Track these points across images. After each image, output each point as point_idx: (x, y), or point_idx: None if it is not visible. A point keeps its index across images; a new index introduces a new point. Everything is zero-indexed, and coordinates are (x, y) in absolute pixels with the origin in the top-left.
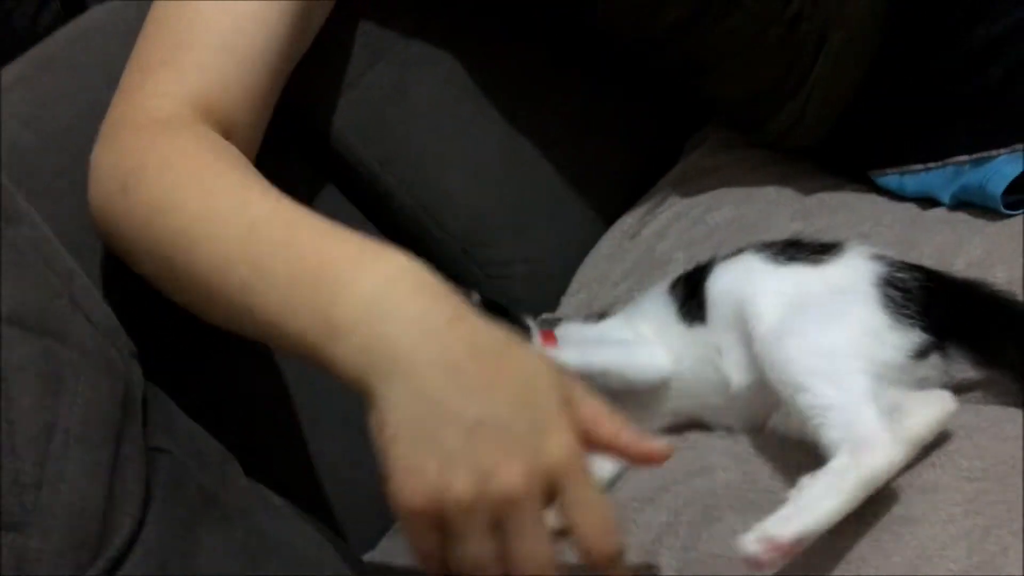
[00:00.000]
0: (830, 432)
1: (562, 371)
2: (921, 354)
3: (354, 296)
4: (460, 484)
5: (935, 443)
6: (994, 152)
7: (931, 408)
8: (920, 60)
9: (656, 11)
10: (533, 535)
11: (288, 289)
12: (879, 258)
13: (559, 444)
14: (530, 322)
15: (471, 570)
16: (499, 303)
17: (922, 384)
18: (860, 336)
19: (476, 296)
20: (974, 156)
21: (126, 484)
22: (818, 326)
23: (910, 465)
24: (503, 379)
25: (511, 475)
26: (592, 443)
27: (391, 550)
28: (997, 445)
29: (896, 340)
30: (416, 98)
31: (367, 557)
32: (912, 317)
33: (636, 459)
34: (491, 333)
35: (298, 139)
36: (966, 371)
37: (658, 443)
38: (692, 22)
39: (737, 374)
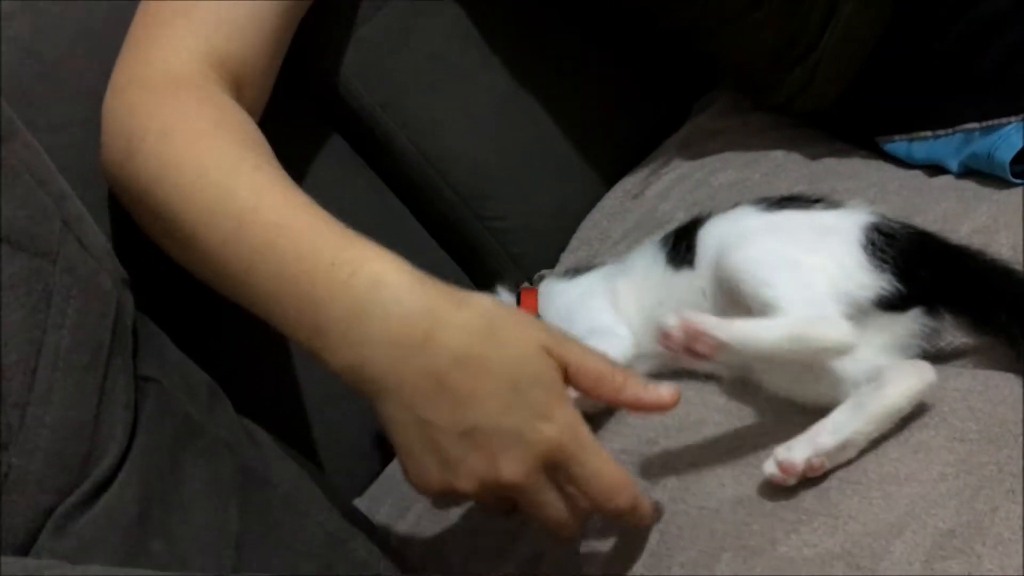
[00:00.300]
0: (784, 305)
1: (555, 338)
2: (895, 306)
3: (335, 318)
4: (463, 484)
5: (931, 398)
6: (1004, 120)
7: (910, 379)
8: (932, 28)
9: None
10: (544, 503)
11: (275, 292)
12: (875, 212)
13: (551, 429)
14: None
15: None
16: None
17: (909, 344)
18: (828, 264)
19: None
20: (984, 124)
21: (113, 410)
22: (789, 243)
23: (890, 433)
24: (487, 384)
25: (509, 469)
26: (597, 399)
27: (379, 496)
28: (991, 408)
29: (864, 279)
30: (420, 44)
31: (355, 503)
32: (887, 262)
33: (645, 409)
34: (471, 335)
35: (304, 83)
36: (960, 336)
37: (665, 389)
38: None
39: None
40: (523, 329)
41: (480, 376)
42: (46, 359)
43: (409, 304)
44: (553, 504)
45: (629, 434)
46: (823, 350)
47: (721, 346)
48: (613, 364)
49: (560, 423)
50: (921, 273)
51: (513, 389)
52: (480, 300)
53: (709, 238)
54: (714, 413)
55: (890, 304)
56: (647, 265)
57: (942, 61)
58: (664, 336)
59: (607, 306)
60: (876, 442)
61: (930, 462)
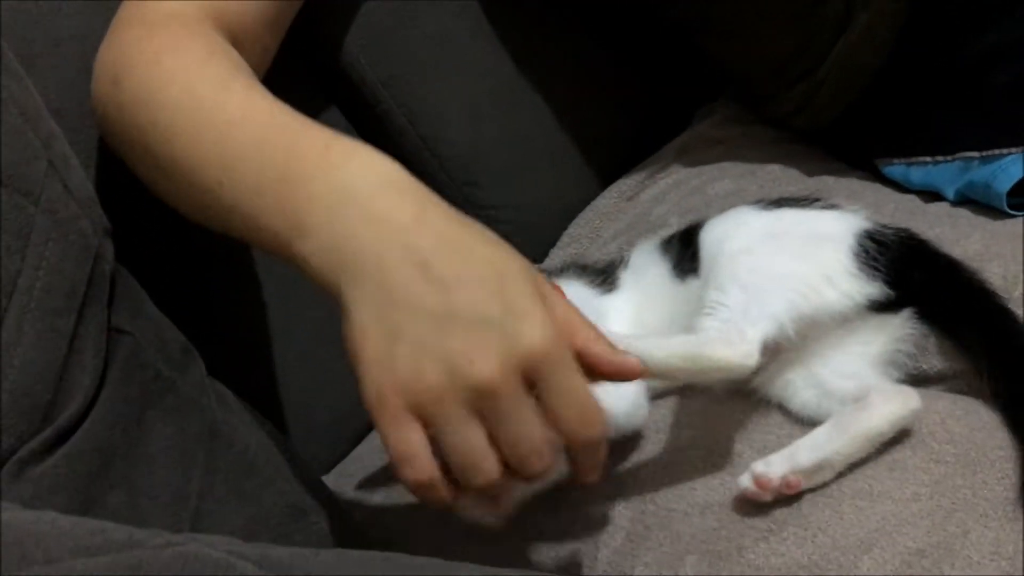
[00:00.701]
0: (707, 321)
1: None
2: (888, 308)
3: (320, 195)
4: (431, 374)
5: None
6: (1004, 151)
7: (893, 404)
8: (939, 53)
9: None
10: (519, 419)
11: (257, 188)
12: (870, 218)
13: (535, 331)
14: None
15: (461, 460)
16: None
17: (898, 353)
18: (813, 275)
19: None
20: (984, 153)
21: (83, 358)
22: (775, 253)
23: (870, 457)
24: (473, 271)
25: (485, 364)
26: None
27: (348, 473)
28: (969, 433)
29: (851, 287)
30: (429, 23)
31: (323, 479)
32: (878, 270)
33: (607, 372)
34: (460, 226)
35: (306, 51)
36: (946, 359)
37: (631, 358)
38: None
39: None
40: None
41: (468, 262)
42: (18, 299)
43: (401, 185)
44: (527, 421)
45: None
46: (716, 370)
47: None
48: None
49: (545, 327)
50: (914, 275)
51: (501, 281)
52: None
53: (709, 241)
54: (691, 417)
55: (883, 307)
56: (653, 278)
57: (947, 87)
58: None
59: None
60: (854, 464)
61: (905, 481)
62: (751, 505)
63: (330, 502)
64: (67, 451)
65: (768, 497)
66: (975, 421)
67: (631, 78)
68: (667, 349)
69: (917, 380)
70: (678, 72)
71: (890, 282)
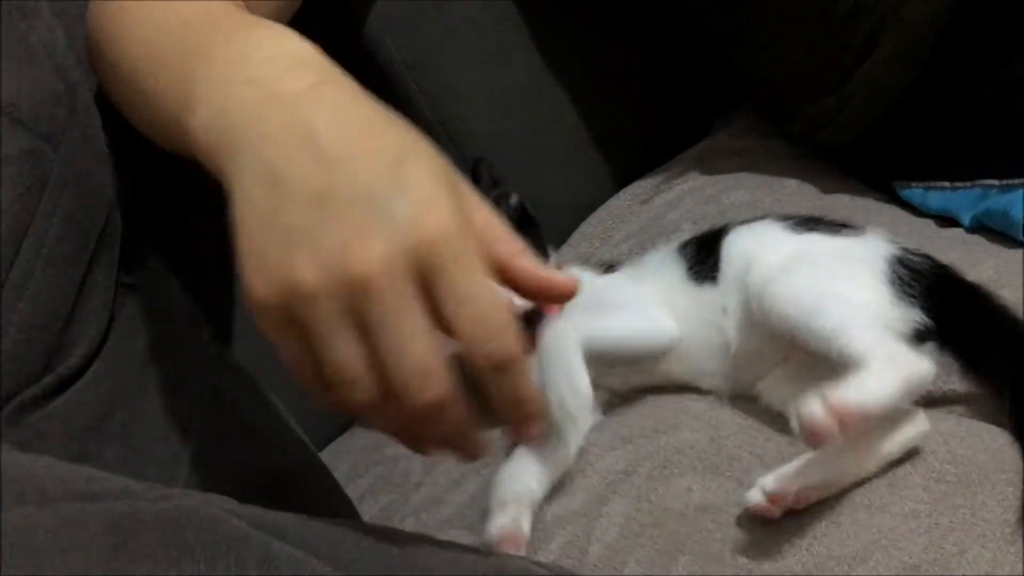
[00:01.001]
0: (856, 344)
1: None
2: (919, 337)
3: (216, 61)
4: (302, 267)
5: None
6: None
7: (904, 426)
8: (965, 79)
9: None
10: (402, 327)
11: (166, 68)
12: (896, 243)
13: (431, 216)
14: (551, 252)
15: (332, 377)
16: (533, 217)
17: None
18: (866, 298)
19: (516, 198)
20: (1004, 182)
21: (89, 308)
22: (822, 276)
23: (878, 475)
24: (369, 151)
25: (364, 253)
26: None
27: (339, 454)
28: (972, 455)
29: (894, 315)
30: (457, 8)
31: None
32: (915, 296)
33: (533, 289)
34: (365, 105)
35: (330, 28)
36: (952, 382)
37: (564, 277)
38: None
39: (737, 334)
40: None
41: (361, 141)
42: (30, 243)
43: (306, 57)
44: (413, 331)
45: (603, 428)
46: (922, 387)
47: (865, 418)
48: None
49: (446, 214)
50: (942, 305)
51: (398, 159)
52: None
53: (733, 252)
54: (692, 420)
55: (917, 335)
56: (667, 276)
57: (971, 114)
58: (813, 430)
59: (642, 295)
60: (859, 483)
61: (905, 497)
62: (748, 510)
63: (324, 474)
64: (67, 399)
65: (777, 513)
66: (978, 443)
67: (654, 83)
68: (892, 379)
69: (923, 402)
70: (700, 80)
71: (927, 311)
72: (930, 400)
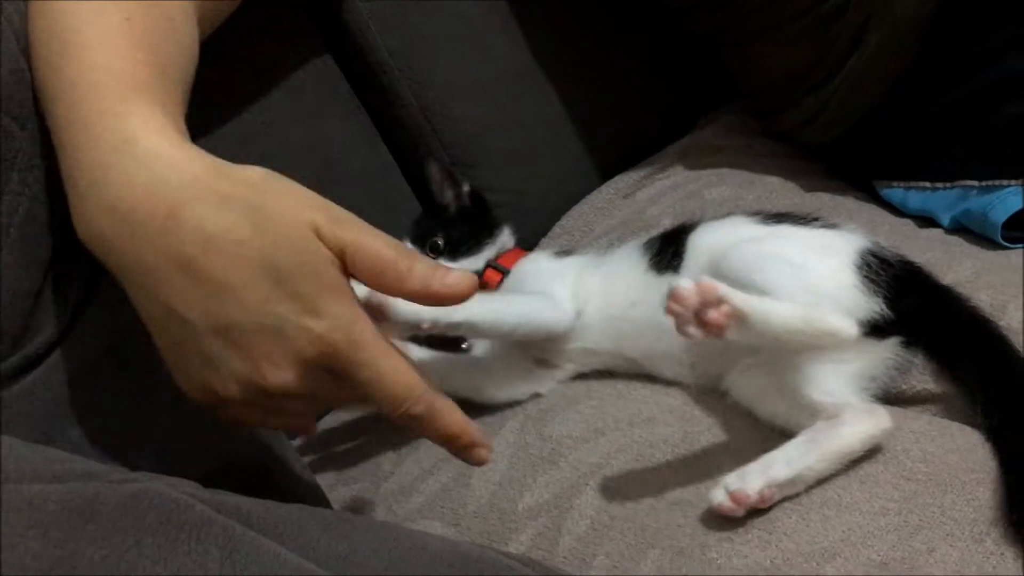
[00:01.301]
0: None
1: (333, 217)
2: (878, 331)
3: (84, 165)
4: (229, 390)
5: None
6: (1003, 183)
7: (866, 423)
8: (948, 80)
9: None
10: (315, 404)
11: (52, 114)
12: (870, 238)
13: (320, 326)
14: (504, 234)
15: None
16: (484, 200)
17: (879, 375)
18: (829, 276)
19: (467, 187)
20: (983, 183)
21: (58, 288)
22: (795, 248)
23: (838, 473)
24: (244, 269)
25: (275, 377)
26: (379, 289)
27: (311, 441)
28: (943, 454)
29: (854, 300)
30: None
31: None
32: (880, 286)
33: (437, 299)
34: (227, 212)
35: (317, 11)
36: (924, 382)
37: (456, 276)
38: None
39: None
40: (293, 207)
41: (236, 262)
42: None
43: (158, 172)
44: (344, 402)
45: (578, 420)
46: (830, 335)
47: (736, 314)
48: (399, 248)
49: (331, 320)
50: (910, 302)
51: (275, 279)
52: (249, 172)
53: (701, 244)
54: (666, 414)
55: (874, 329)
56: (626, 267)
57: (953, 115)
58: (675, 297)
59: (566, 286)
60: (823, 480)
61: (874, 495)
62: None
63: (295, 462)
64: (33, 379)
65: (741, 512)
66: (949, 443)
67: (639, 78)
68: (788, 311)
69: (895, 400)
70: (686, 77)
71: (889, 301)
72: (902, 399)
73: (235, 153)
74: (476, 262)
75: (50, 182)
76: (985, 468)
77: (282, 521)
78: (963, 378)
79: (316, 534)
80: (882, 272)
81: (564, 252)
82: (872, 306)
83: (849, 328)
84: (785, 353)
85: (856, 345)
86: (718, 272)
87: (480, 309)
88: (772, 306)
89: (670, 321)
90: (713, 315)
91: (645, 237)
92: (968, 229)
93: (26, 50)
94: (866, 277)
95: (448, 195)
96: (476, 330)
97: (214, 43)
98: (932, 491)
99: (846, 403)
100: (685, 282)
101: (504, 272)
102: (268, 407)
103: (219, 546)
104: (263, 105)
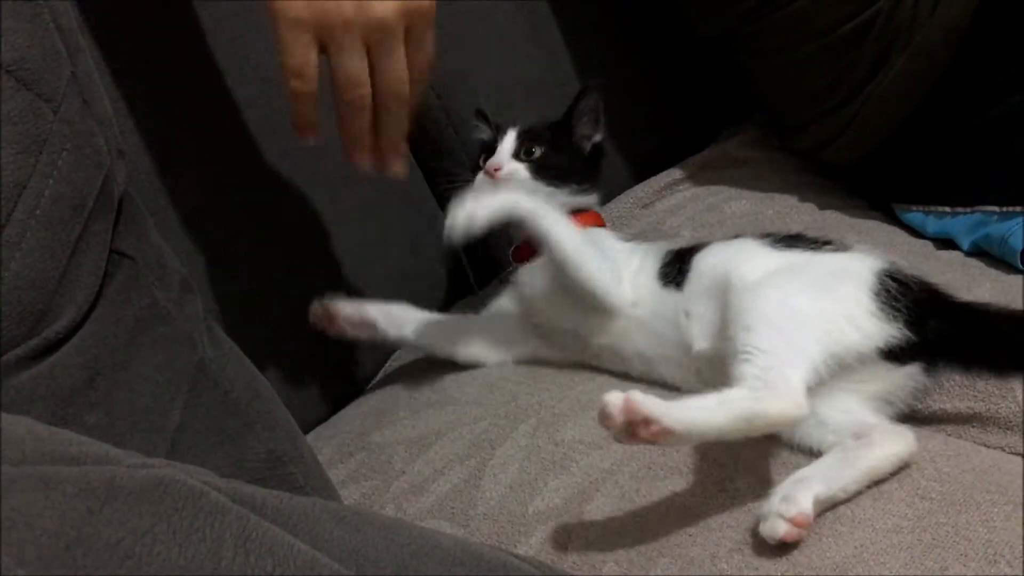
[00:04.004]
0: (748, 368)
1: None
2: (898, 356)
3: None
4: (347, 8)
5: None
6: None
7: (896, 444)
8: (969, 108)
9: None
10: (397, 58)
11: None
12: (887, 259)
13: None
14: (592, 197)
15: (345, 80)
16: (601, 160)
17: (897, 398)
18: (837, 313)
19: (600, 138)
20: (1004, 209)
21: (81, 273)
22: (799, 288)
23: (862, 492)
24: None
25: (386, 7)
26: None
27: (325, 437)
28: (958, 474)
29: (873, 328)
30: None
31: None
32: (899, 311)
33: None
34: None
35: None
36: (941, 401)
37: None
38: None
39: (700, 340)
40: None
41: None
42: (26, 203)
43: None
44: (401, 60)
45: (590, 426)
46: (772, 426)
47: (665, 433)
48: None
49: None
50: (930, 324)
51: None
52: None
53: (704, 265)
54: None
55: (893, 355)
56: (645, 269)
57: (974, 140)
58: (603, 416)
59: (629, 271)
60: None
61: (888, 512)
62: (730, 514)
63: (308, 456)
64: (52, 363)
65: (804, 534)
66: (965, 463)
67: (662, 89)
68: (722, 415)
69: (908, 419)
70: (708, 90)
71: (910, 325)
72: (915, 418)
73: (260, 142)
74: (552, 196)
75: (77, 166)
76: (1000, 489)
77: (296, 513)
78: (1010, 373)
79: (329, 527)
80: (901, 296)
81: (631, 237)
82: (891, 331)
83: (797, 408)
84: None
85: (875, 369)
86: (719, 299)
87: (572, 236)
88: (707, 415)
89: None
90: (643, 433)
91: (665, 245)
92: (987, 254)
93: (62, 29)
94: (885, 302)
95: (581, 128)
96: (559, 250)
97: (244, 34)
98: (946, 510)
99: (872, 424)
100: (614, 398)
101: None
102: (357, 47)
103: (233, 535)
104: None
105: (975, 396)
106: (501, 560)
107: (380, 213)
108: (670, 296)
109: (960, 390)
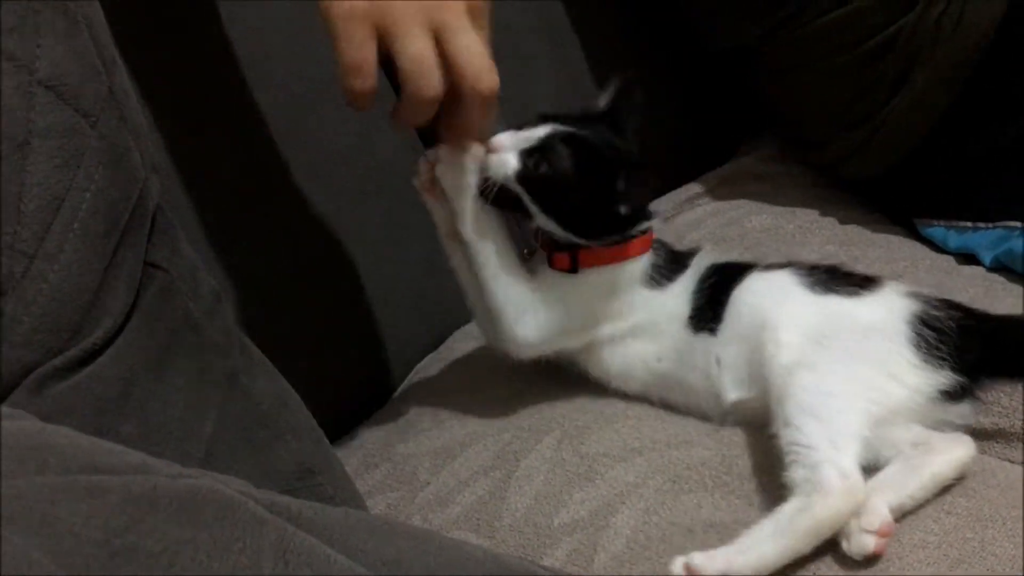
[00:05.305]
0: (798, 471)
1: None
2: (952, 396)
3: None
4: None
5: None
6: None
7: (957, 450)
8: (990, 124)
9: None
10: (469, 34)
11: None
12: (916, 295)
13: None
14: None
15: (410, 65)
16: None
17: (951, 424)
18: (877, 376)
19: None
20: None
21: (116, 285)
22: (833, 362)
23: (929, 502)
24: None
25: None
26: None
27: (349, 449)
28: (985, 490)
29: (920, 381)
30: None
31: None
32: (944, 358)
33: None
34: None
35: None
36: (965, 418)
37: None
38: (791, 18)
39: (733, 390)
40: None
41: None
42: (63, 217)
43: None
44: (474, 38)
45: (615, 439)
46: (836, 526)
47: None
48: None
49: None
50: (974, 357)
51: None
52: None
53: (743, 306)
54: (704, 437)
55: (948, 396)
56: (673, 309)
57: (995, 156)
58: None
59: None
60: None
61: (914, 527)
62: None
63: (337, 467)
64: (88, 374)
65: (886, 546)
66: (991, 480)
67: (681, 103)
68: (785, 543)
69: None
70: (728, 103)
71: (956, 368)
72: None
73: (281, 150)
74: None
75: (114, 180)
76: None
77: (330, 524)
78: None
79: (363, 538)
80: (942, 344)
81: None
82: (939, 379)
83: (853, 498)
84: None
85: (929, 410)
86: (754, 344)
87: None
88: (770, 549)
89: None
90: None
91: (702, 267)
92: (1009, 268)
93: (99, 44)
94: (926, 352)
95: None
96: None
97: (271, 47)
98: (972, 526)
99: (930, 433)
100: (676, 567)
101: None
102: (421, 30)
103: (272, 545)
104: (315, 107)
105: (1000, 412)
106: (529, 572)
107: (401, 227)
108: (702, 342)
109: (984, 406)
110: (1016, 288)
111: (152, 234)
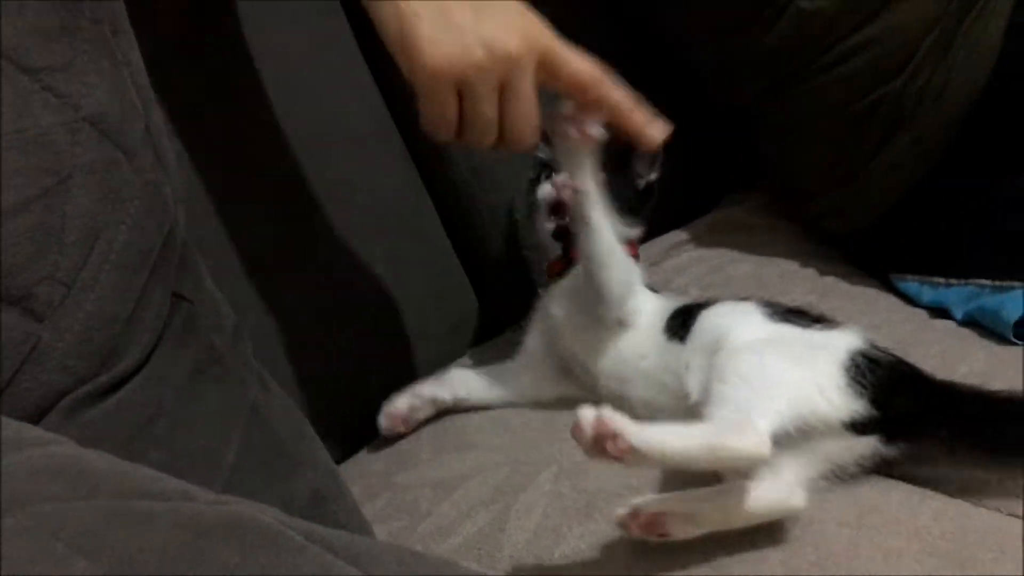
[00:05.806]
0: (717, 411)
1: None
2: (860, 428)
3: None
4: (475, 49)
5: (907, 515)
6: (1017, 284)
7: (778, 494)
8: (969, 185)
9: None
10: (525, 99)
11: None
12: (866, 338)
13: (546, 31)
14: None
15: (477, 127)
16: (651, 197)
17: (852, 464)
18: (808, 381)
19: (655, 177)
20: (996, 283)
21: (145, 315)
22: (777, 355)
23: (863, 536)
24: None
25: (512, 41)
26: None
27: (351, 477)
28: (963, 533)
29: (839, 400)
30: None
31: None
32: (865, 387)
33: (629, 125)
34: None
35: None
36: (939, 464)
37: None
38: (786, 79)
39: (697, 392)
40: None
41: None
42: (100, 249)
43: None
44: (532, 97)
45: (612, 476)
46: (735, 460)
47: (632, 451)
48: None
49: (549, 35)
50: (897, 402)
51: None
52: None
53: (708, 322)
54: (700, 475)
55: (854, 427)
56: (651, 320)
57: (971, 216)
58: (575, 428)
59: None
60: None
61: (898, 567)
62: (752, 567)
63: (348, 495)
64: (118, 400)
65: (634, 532)
66: (968, 523)
67: (671, 150)
68: (687, 440)
69: (910, 480)
70: (716, 154)
71: (875, 403)
72: (919, 480)
73: (290, 183)
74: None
75: (148, 214)
76: (1003, 548)
77: (362, 552)
78: (1005, 454)
79: (392, 566)
80: (870, 374)
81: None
82: (855, 407)
83: (760, 447)
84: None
85: (835, 437)
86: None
87: (610, 236)
88: (672, 439)
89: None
90: (610, 448)
91: (680, 301)
92: (980, 323)
93: (137, 84)
94: (853, 378)
95: (638, 165)
96: (591, 242)
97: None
98: (953, 567)
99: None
100: (587, 412)
101: None
102: (492, 94)
103: (313, 571)
104: (324, 145)
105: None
106: None
107: (408, 262)
108: (674, 348)
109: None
110: (986, 343)
111: (179, 266)
